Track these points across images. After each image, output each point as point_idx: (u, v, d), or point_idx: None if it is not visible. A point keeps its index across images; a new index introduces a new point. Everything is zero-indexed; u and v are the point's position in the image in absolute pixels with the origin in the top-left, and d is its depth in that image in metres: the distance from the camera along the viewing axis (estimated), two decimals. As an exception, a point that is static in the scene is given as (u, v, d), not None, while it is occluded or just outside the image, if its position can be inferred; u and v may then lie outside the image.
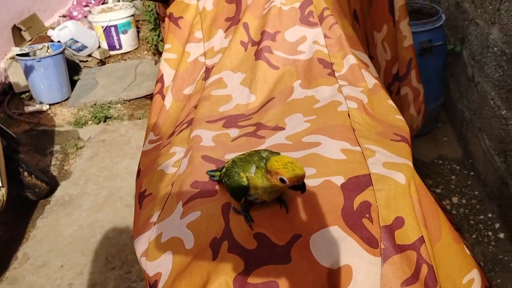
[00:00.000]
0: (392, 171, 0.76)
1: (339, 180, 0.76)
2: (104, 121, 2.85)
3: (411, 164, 0.76)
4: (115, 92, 3.11)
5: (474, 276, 0.80)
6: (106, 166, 2.42)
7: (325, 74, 1.01)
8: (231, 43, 1.13)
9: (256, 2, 1.17)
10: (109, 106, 2.99)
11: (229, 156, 0.84)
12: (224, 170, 0.76)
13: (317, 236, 0.68)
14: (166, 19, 1.29)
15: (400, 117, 0.90)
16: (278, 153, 0.72)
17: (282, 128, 0.92)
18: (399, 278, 0.67)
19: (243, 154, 0.74)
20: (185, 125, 1.02)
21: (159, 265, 0.74)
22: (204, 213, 0.75)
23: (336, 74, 0.99)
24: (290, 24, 1.11)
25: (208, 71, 1.15)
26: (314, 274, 0.64)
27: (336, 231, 0.68)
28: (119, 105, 3.02)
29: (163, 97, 1.17)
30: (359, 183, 0.74)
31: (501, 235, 1.68)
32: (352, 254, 0.66)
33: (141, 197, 0.93)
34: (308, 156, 0.81)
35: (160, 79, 1.21)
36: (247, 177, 0.69)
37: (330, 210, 0.70)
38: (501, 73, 1.63)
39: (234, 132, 0.95)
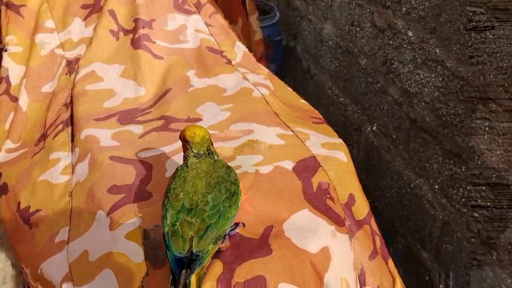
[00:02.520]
0: (333, 150, 0.78)
1: (289, 164, 0.75)
2: None
3: (343, 142, 0.80)
4: None
5: None
6: None
7: (221, 62, 0.98)
8: (98, 33, 1.02)
9: None
10: None
11: (144, 155, 0.76)
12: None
13: (289, 223, 0.66)
14: (2, 8, 1.07)
15: (304, 101, 0.93)
16: (180, 166, 0.66)
17: (198, 119, 0.86)
18: (366, 252, 0.69)
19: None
20: (61, 126, 0.87)
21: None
22: (147, 219, 0.65)
23: (233, 62, 0.97)
24: (164, 10, 1.05)
25: (71, 64, 1.01)
26: (299, 261, 0.62)
27: (306, 215, 0.67)
28: None
29: (13, 98, 0.98)
30: (308, 165, 0.74)
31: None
32: (327, 235, 0.66)
33: (24, 214, 0.77)
34: (247, 143, 0.77)
35: (4, 78, 1.00)
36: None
37: (292, 195, 0.69)
38: (337, 65, 1.82)
39: (137, 128, 0.85)
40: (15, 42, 1.03)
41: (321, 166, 0.75)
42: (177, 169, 0.63)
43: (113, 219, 0.67)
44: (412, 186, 1.32)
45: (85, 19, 1.07)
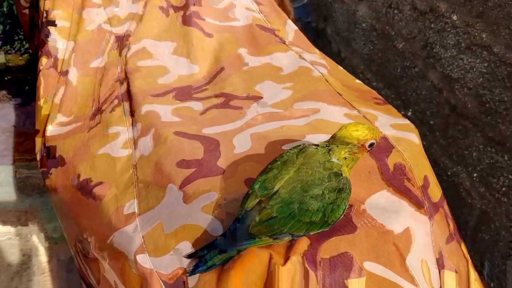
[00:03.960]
0: (404, 131, 0.77)
1: None
2: None
3: (410, 122, 0.79)
4: None
5: None
6: None
7: (273, 41, 0.97)
8: (147, 9, 1.02)
9: None
10: None
11: (208, 131, 0.75)
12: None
13: (370, 203, 0.65)
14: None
15: (359, 81, 0.92)
16: (303, 144, 0.61)
17: (259, 97, 0.85)
18: (443, 235, 0.69)
19: (270, 170, 0.58)
20: (116, 101, 0.88)
21: (174, 260, 0.60)
22: (223, 193, 0.65)
23: (284, 40, 0.96)
24: None
25: (119, 40, 1.01)
26: (383, 240, 0.62)
27: (386, 195, 0.66)
28: None
29: (62, 73, 0.98)
30: (382, 145, 0.72)
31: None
32: (409, 216, 0.65)
33: (85, 187, 0.77)
34: (315, 123, 0.76)
35: (52, 52, 1.01)
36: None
37: (369, 175, 0.68)
38: (371, 48, 1.80)
39: (196, 105, 0.85)
40: (61, 16, 1.03)
41: (394, 147, 0.74)
42: (297, 145, 0.60)
43: (187, 193, 0.67)
44: (449, 173, 1.31)
45: (132, -6, 1.07)
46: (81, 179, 0.79)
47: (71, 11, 1.04)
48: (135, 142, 0.78)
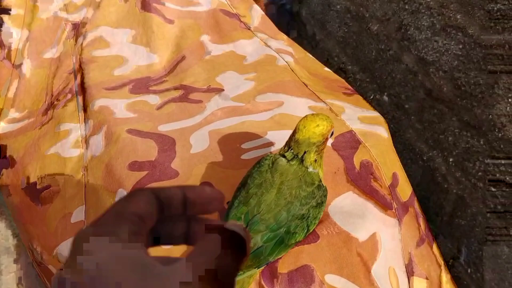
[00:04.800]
0: (372, 125, 0.73)
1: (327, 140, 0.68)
2: None
3: (379, 114, 0.75)
4: None
5: None
6: None
7: (238, 27, 0.92)
8: None
9: None
10: None
11: (164, 128, 0.70)
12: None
13: (334, 206, 0.61)
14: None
15: (328, 69, 0.87)
16: (269, 156, 0.55)
17: (220, 89, 0.80)
18: (413, 238, 0.65)
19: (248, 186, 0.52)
20: (69, 95, 0.81)
21: None
22: None
23: (249, 26, 0.90)
24: None
25: (76, 28, 0.94)
26: (347, 249, 0.58)
27: (351, 197, 0.62)
28: None
29: (15, 65, 0.91)
30: (348, 141, 0.69)
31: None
32: (375, 220, 0.61)
33: (33, 191, 0.72)
34: (278, 117, 0.71)
35: (5, 42, 0.93)
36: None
37: (334, 175, 0.63)
38: (346, 30, 1.76)
39: (152, 98, 0.79)
40: (15, 3, 0.96)
41: (361, 142, 0.70)
42: (264, 159, 0.53)
43: None
44: (424, 158, 1.29)
45: (86, -21, 0.99)
46: (30, 181, 0.74)
47: (24, -3, 0.97)
48: (86, 141, 0.72)
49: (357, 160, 0.68)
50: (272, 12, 2.08)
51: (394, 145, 1.46)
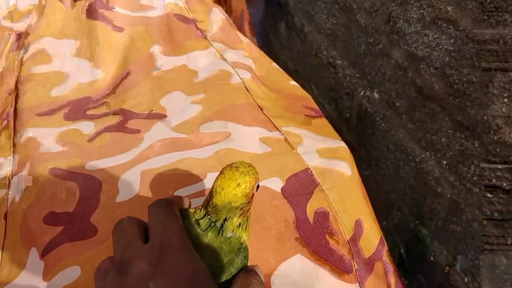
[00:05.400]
0: (333, 159, 0.61)
1: (276, 183, 0.57)
2: None
3: (345, 144, 0.64)
4: None
5: None
6: None
7: (193, 35, 0.80)
8: (46, 0, 0.83)
9: None
10: None
11: (93, 166, 0.59)
12: None
13: (280, 275, 0.49)
14: None
15: (294, 83, 0.77)
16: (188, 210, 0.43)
17: (163, 115, 0.68)
18: None
19: None
20: (5, 122, 0.71)
21: None
22: (87, 269, 0.49)
23: (206, 34, 0.80)
24: None
25: (19, 38, 0.84)
26: None
27: (301, 262, 0.51)
28: None
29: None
30: (302, 183, 0.57)
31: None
32: None
33: None
34: (223, 153, 0.59)
35: None
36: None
37: (282, 231, 0.52)
38: (334, 22, 1.66)
39: (87, 126, 0.68)
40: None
41: (318, 184, 0.58)
42: (187, 215, 0.41)
43: (48, 264, 0.50)
44: (417, 160, 1.21)
45: (27, -19, 0.89)
46: None
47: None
48: (9, 179, 0.63)
49: (310, 209, 0.56)
50: (261, 4, 1.98)
51: (386, 145, 1.37)
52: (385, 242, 0.59)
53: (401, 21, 1.21)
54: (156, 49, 0.81)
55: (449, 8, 1.02)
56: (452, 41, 1.03)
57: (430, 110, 1.14)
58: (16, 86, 0.75)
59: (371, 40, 1.39)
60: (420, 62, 1.13)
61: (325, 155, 0.63)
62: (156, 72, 0.77)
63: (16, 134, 0.66)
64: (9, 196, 0.59)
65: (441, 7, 1.04)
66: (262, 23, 2.17)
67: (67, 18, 0.84)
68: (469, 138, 1.02)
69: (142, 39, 0.82)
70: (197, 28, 0.80)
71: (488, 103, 0.94)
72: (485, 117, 0.95)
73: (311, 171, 0.60)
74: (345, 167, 0.62)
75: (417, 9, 1.13)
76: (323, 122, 0.72)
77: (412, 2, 1.14)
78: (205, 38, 0.79)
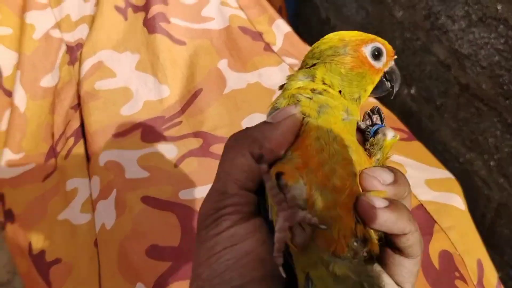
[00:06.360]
0: (445, 193, 0.58)
1: None
2: None
3: (452, 175, 0.60)
4: None
5: None
6: None
7: (262, 50, 0.76)
8: (102, 10, 0.81)
9: None
10: None
11: (187, 195, 0.57)
12: None
13: None
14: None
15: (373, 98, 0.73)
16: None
17: None
18: None
19: None
20: (72, 139, 0.69)
21: None
22: None
23: (273, 47, 0.76)
24: None
25: (72, 51, 0.82)
26: None
27: None
28: None
29: (7, 92, 0.81)
30: (418, 222, 0.53)
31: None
32: None
33: (40, 263, 0.59)
34: None
35: (-6, 67, 0.82)
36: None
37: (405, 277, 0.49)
38: (365, 16, 1.63)
39: (169, 149, 0.65)
40: (1, 21, 0.84)
41: (436, 223, 0.54)
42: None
43: None
44: (460, 160, 1.19)
45: (83, -9, 0.86)
46: (34, 250, 0.62)
47: (12, 14, 0.85)
48: (94, 205, 0.60)
49: (433, 252, 0.52)
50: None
51: (424, 141, 1.36)
52: (501, 281, 0.55)
53: (443, 17, 1.18)
54: (223, 65, 0.78)
55: (499, 7, 0.99)
56: (502, 40, 1.00)
57: (476, 110, 1.12)
58: (80, 102, 0.72)
59: (408, 35, 1.35)
60: (465, 60, 1.11)
61: (435, 188, 0.59)
62: (229, 90, 0.74)
63: (93, 155, 0.64)
64: (96, 221, 0.57)
65: (489, 4, 1.01)
66: (293, 17, 2.12)
67: (127, 31, 0.81)
68: (520, 140, 1.00)
69: (208, 53, 0.78)
70: (265, 42, 0.76)
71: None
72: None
73: (425, 208, 0.56)
74: (458, 202, 0.59)
75: (461, 6, 1.10)
76: (419, 145, 0.68)
77: (457, -1, 1.11)
78: (275, 52, 0.76)
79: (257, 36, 0.79)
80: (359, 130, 0.29)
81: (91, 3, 0.84)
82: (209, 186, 0.58)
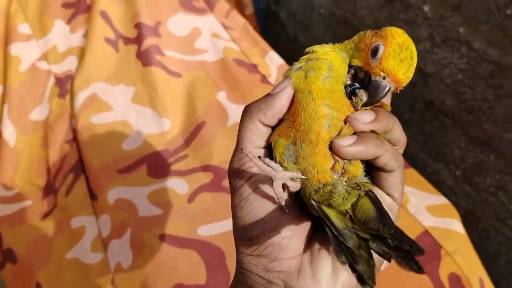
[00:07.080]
0: (445, 218, 0.62)
1: None
2: None
3: (448, 201, 0.64)
4: None
5: None
6: None
7: (259, 82, 0.78)
8: (91, 41, 0.81)
9: None
10: None
11: (206, 231, 0.58)
12: None
13: None
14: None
15: None
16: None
17: None
18: None
19: None
20: (71, 175, 0.69)
21: None
22: None
23: (270, 79, 0.79)
24: (171, 10, 0.82)
25: (62, 83, 0.81)
26: None
27: None
28: None
29: (-5, 129, 0.79)
30: (425, 248, 0.57)
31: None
32: None
33: None
34: None
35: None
36: None
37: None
38: (333, 35, 1.69)
39: (180, 185, 0.66)
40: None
41: (442, 247, 0.59)
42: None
43: None
44: (428, 170, 1.27)
45: (69, 22, 0.85)
46: None
47: (-5, 47, 0.83)
48: (104, 242, 0.61)
49: (443, 275, 0.56)
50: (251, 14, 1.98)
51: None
52: None
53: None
54: (222, 97, 0.79)
55: (461, 30, 1.07)
56: (464, 60, 1.08)
57: (441, 124, 1.20)
58: (76, 136, 0.72)
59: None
60: (429, 79, 1.18)
61: (436, 214, 0.63)
62: (232, 122, 0.76)
63: (99, 193, 0.64)
64: (110, 260, 0.57)
65: (452, 28, 1.09)
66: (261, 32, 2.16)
67: (120, 63, 0.81)
68: (484, 152, 1.08)
69: (205, 85, 0.80)
70: (261, 74, 0.79)
71: (506, 119, 0.99)
72: (503, 133, 1.01)
73: (431, 234, 0.60)
74: (458, 227, 0.63)
75: (425, 28, 1.18)
76: (413, 173, 0.71)
77: (420, 21, 1.19)
78: (272, 84, 0.78)
79: (253, 68, 0.81)
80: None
81: (79, 34, 0.83)
82: (227, 221, 0.60)
